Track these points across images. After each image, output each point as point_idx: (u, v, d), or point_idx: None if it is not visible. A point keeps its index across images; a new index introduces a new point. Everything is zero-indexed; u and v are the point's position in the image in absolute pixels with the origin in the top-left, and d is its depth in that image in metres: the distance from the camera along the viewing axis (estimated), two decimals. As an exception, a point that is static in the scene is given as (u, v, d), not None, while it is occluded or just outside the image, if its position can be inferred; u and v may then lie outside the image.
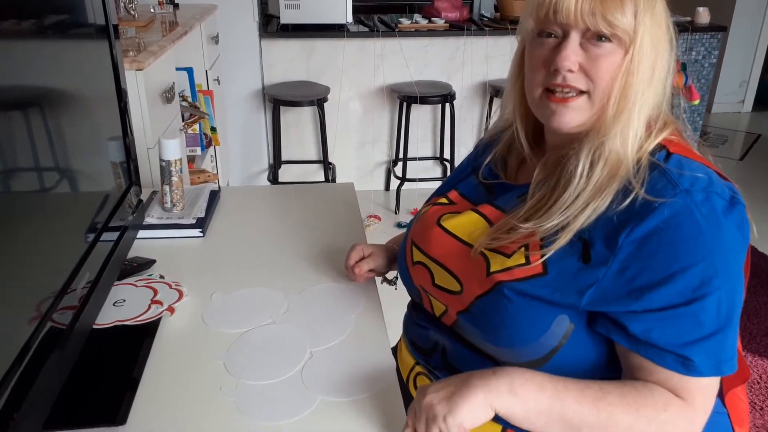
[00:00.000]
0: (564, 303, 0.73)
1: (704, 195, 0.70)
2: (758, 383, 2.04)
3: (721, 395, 0.87)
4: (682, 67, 3.49)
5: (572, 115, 0.76)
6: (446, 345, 0.87)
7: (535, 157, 0.86)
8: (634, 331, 0.70)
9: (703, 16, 3.69)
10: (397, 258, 1.06)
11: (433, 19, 3.41)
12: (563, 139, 0.80)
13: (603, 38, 0.73)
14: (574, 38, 0.74)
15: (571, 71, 0.74)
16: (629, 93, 0.74)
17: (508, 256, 0.77)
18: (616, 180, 0.73)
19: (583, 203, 0.73)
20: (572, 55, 0.74)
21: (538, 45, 0.77)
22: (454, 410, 0.67)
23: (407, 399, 0.80)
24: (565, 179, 0.76)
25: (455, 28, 3.34)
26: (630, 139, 0.74)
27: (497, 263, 0.78)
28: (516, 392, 0.68)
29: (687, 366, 0.69)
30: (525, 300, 0.74)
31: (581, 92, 0.75)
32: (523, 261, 0.76)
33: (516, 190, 0.85)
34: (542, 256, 0.74)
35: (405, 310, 1.00)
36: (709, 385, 0.71)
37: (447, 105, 3.27)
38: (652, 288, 0.69)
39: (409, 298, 0.98)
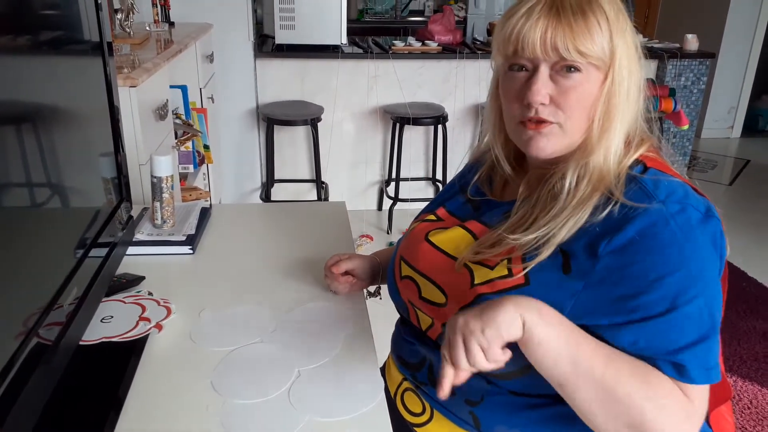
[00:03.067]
0: None
1: (679, 206, 0.72)
2: (749, 408, 2.04)
3: (707, 416, 0.87)
4: (671, 93, 3.54)
5: (546, 142, 0.78)
6: (433, 360, 0.87)
7: (518, 176, 0.88)
8: (622, 345, 0.71)
9: (692, 42, 3.76)
10: (383, 271, 1.06)
11: (426, 42, 3.46)
12: (543, 160, 0.82)
13: (572, 69, 0.75)
14: (544, 71, 0.76)
15: (543, 104, 0.76)
16: (612, 114, 0.77)
17: (491, 268, 0.78)
18: (596, 194, 0.75)
19: (566, 217, 0.75)
20: (542, 89, 0.76)
21: (510, 79, 0.79)
22: (488, 322, 0.67)
23: (395, 418, 0.79)
24: (546, 196, 0.78)
25: (448, 51, 3.38)
26: (612, 154, 0.77)
27: (480, 275, 0.79)
28: (544, 316, 0.69)
29: (681, 371, 0.69)
30: None
31: (552, 122, 0.78)
32: (505, 273, 0.77)
33: (501, 207, 0.86)
34: (524, 268, 0.75)
35: (392, 330, 1.01)
36: (703, 390, 0.71)
37: (440, 126, 3.29)
38: (631, 297, 0.70)
39: (398, 317, 0.98)
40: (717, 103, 5.24)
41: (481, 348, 0.67)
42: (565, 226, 0.74)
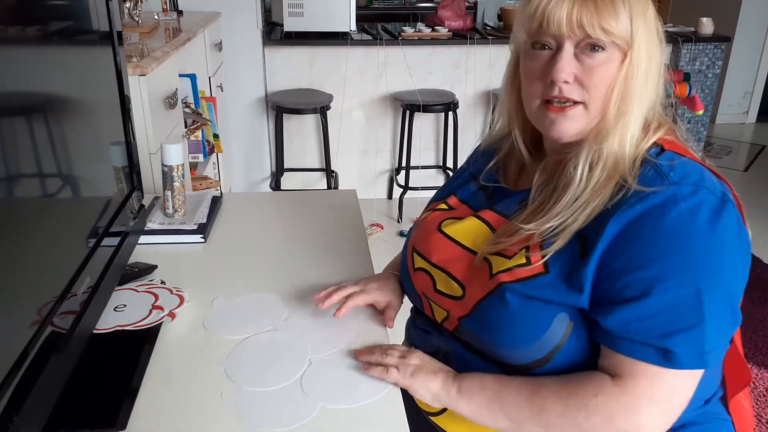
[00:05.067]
0: (564, 302, 0.74)
1: (693, 189, 0.71)
2: (764, 396, 2.02)
3: (725, 402, 0.86)
4: (686, 78, 3.49)
5: (570, 124, 0.77)
6: (448, 350, 0.87)
7: (535, 163, 0.87)
8: (612, 326, 0.71)
9: (707, 26, 3.70)
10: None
11: (436, 27, 3.43)
12: (562, 144, 0.81)
13: (597, 48, 0.74)
14: (568, 49, 0.75)
15: (567, 83, 0.75)
16: (629, 97, 0.75)
17: (509, 257, 0.78)
18: (613, 180, 0.74)
19: (582, 205, 0.74)
20: (567, 66, 0.75)
21: (533, 57, 0.78)
22: (407, 378, 0.80)
23: (410, 408, 0.79)
24: (564, 182, 0.77)
25: (458, 37, 3.35)
26: (627, 141, 0.76)
27: (499, 264, 0.78)
28: (462, 392, 0.79)
29: (668, 357, 0.69)
30: (525, 300, 0.75)
31: (577, 102, 0.76)
32: (524, 261, 0.76)
33: (517, 196, 0.85)
34: (543, 256, 0.75)
35: (406, 317, 1.00)
36: (679, 376, 0.70)
37: (450, 113, 3.27)
38: (628, 272, 0.70)
39: (412, 305, 0.98)
40: (732, 87, 5.16)
41: (388, 367, 0.80)
42: (582, 214, 0.74)
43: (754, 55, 5.09)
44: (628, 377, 0.71)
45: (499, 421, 0.77)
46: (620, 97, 0.75)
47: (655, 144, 0.77)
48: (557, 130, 0.78)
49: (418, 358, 0.83)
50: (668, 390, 0.70)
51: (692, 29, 3.75)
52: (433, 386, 0.80)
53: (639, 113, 0.76)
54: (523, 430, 0.76)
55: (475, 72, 3.39)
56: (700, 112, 3.52)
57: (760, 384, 2.07)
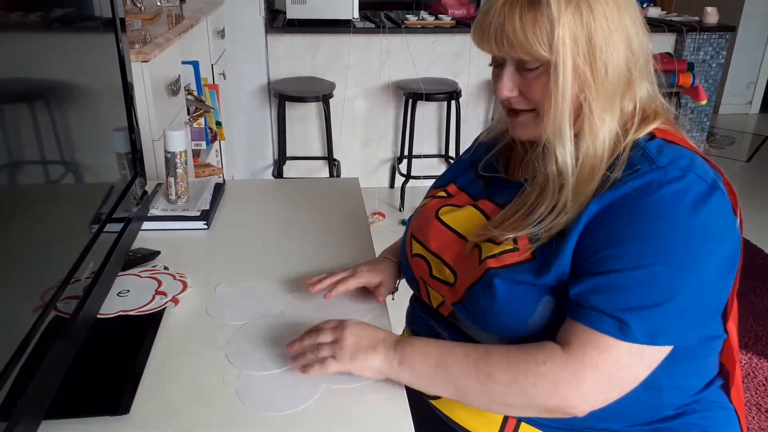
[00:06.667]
0: (548, 283, 0.75)
1: (680, 173, 0.70)
2: (764, 385, 2.03)
3: (727, 391, 0.86)
4: (690, 67, 3.47)
5: (523, 130, 0.80)
6: (445, 335, 0.88)
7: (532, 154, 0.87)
8: (576, 294, 0.71)
9: (712, 15, 3.67)
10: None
11: (439, 15, 3.41)
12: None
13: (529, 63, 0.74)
14: (509, 67, 0.77)
15: (511, 97, 0.78)
16: (588, 99, 0.73)
17: (498, 243, 0.79)
18: (594, 181, 0.74)
19: (562, 208, 0.74)
20: (508, 83, 0.77)
21: (493, 71, 0.81)
22: (347, 363, 0.77)
23: (411, 392, 0.80)
24: (542, 181, 0.78)
25: (462, 25, 3.33)
26: (600, 143, 0.74)
27: (488, 250, 0.79)
28: (404, 362, 0.77)
29: (623, 330, 0.69)
30: (512, 285, 0.76)
31: (529, 109, 0.78)
32: (511, 246, 0.77)
33: (513, 187, 0.85)
34: (530, 248, 0.76)
35: (406, 306, 1.01)
36: (630, 349, 0.70)
37: (453, 102, 3.26)
38: (604, 247, 0.70)
39: (412, 293, 0.99)
40: (736, 78, 5.13)
41: (322, 359, 0.77)
42: (566, 216, 0.74)
43: (758, 46, 5.06)
44: (578, 346, 0.71)
45: (443, 390, 0.77)
46: (573, 103, 0.74)
47: (647, 133, 0.76)
48: (516, 134, 0.82)
49: (352, 334, 0.79)
50: (615, 364, 0.70)
51: (697, 18, 3.72)
52: (375, 362, 0.77)
53: (604, 115, 0.74)
54: (467, 399, 0.76)
55: (478, 61, 3.37)
56: (704, 102, 3.50)
57: (759, 373, 2.08)
